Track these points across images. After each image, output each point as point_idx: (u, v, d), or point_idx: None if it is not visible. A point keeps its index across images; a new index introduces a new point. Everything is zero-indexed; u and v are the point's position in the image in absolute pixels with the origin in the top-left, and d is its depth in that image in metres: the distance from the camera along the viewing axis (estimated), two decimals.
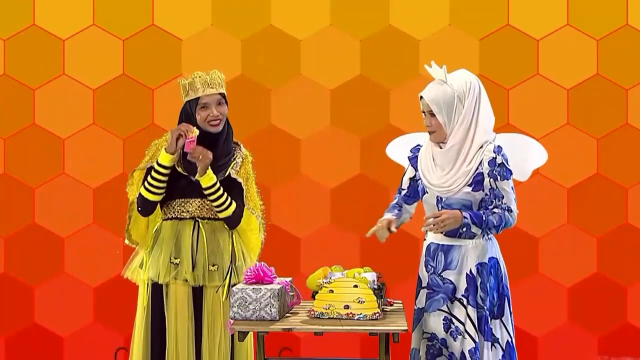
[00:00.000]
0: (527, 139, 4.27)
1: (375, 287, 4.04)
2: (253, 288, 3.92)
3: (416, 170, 4.14)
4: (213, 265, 4.28)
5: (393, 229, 4.08)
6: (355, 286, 3.92)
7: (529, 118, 5.88)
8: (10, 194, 5.96)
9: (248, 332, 4.01)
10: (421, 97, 4.04)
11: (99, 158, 5.95)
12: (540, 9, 5.92)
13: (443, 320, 4.00)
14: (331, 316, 3.90)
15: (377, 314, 3.90)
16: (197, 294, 4.28)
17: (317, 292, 4.04)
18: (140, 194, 4.26)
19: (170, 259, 4.26)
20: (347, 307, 3.89)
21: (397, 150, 4.34)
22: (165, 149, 4.20)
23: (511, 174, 3.98)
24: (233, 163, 4.35)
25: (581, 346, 5.92)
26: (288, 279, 4.17)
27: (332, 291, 3.92)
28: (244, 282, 4.04)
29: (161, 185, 4.23)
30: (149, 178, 4.23)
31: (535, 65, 5.93)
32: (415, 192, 4.17)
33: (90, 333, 5.95)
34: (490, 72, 5.89)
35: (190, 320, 4.25)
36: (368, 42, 5.96)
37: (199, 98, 4.27)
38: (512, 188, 3.99)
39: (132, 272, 4.38)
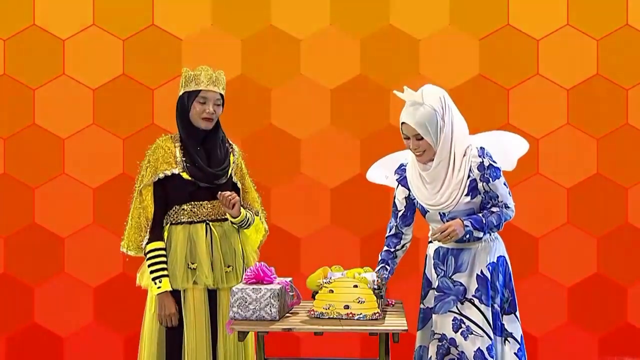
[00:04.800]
0: (500, 133, 4.35)
1: (375, 287, 4.04)
2: (253, 288, 3.92)
3: (408, 189, 4.17)
4: (228, 267, 4.29)
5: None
6: (355, 286, 3.92)
7: (529, 118, 5.88)
8: (10, 194, 5.97)
9: (248, 332, 4.01)
10: (403, 123, 4.04)
11: (99, 158, 5.95)
12: (540, 9, 5.92)
13: (452, 320, 4.03)
14: (331, 316, 3.90)
15: (377, 314, 3.90)
16: (212, 296, 4.27)
17: (317, 292, 4.04)
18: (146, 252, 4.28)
19: (187, 264, 4.25)
20: (347, 307, 3.89)
21: (378, 173, 4.39)
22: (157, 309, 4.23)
23: (500, 171, 4.04)
24: (232, 165, 4.37)
25: (581, 346, 5.92)
26: (288, 279, 4.17)
27: (332, 291, 3.92)
28: (244, 282, 4.04)
29: None
30: (149, 268, 4.25)
31: (535, 65, 5.93)
32: (412, 211, 4.22)
33: (90, 333, 5.95)
34: (490, 72, 5.90)
35: (207, 323, 4.24)
36: (368, 42, 5.96)
37: (200, 91, 4.27)
38: (505, 184, 4.06)
39: (145, 279, 4.34)
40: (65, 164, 5.97)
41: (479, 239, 4.06)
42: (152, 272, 4.23)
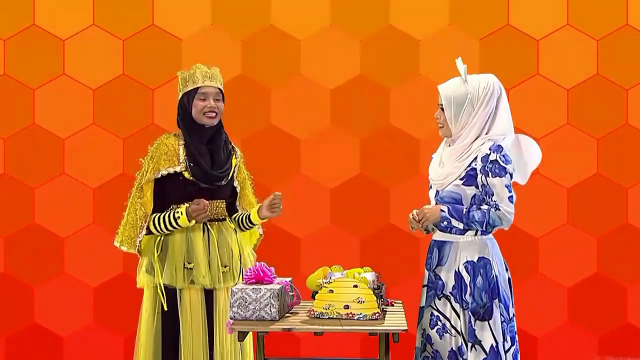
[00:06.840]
0: (529, 140, 4.19)
1: (375, 287, 4.04)
2: (253, 288, 3.92)
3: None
4: (225, 267, 4.28)
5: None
6: (355, 286, 3.92)
7: (529, 118, 5.88)
8: (10, 194, 5.96)
9: (248, 332, 4.01)
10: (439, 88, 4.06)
11: (99, 158, 5.95)
12: (540, 9, 5.92)
13: (430, 316, 4.01)
14: (331, 316, 3.90)
15: (377, 314, 3.89)
16: (208, 296, 4.27)
17: (317, 292, 4.04)
18: (149, 229, 4.26)
19: (184, 264, 4.24)
20: (347, 307, 3.89)
21: None
22: (190, 216, 4.19)
23: (506, 172, 3.90)
24: (235, 168, 4.37)
25: (581, 346, 5.92)
26: (288, 279, 4.17)
27: (332, 291, 3.92)
28: (244, 282, 4.04)
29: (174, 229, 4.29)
30: (164, 227, 4.22)
31: (535, 65, 5.93)
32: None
33: (90, 333, 5.95)
34: (490, 72, 5.85)
35: (203, 323, 4.24)
36: (368, 42, 5.96)
37: (198, 88, 4.27)
38: (507, 187, 3.91)
39: (141, 279, 4.34)
40: (65, 164, 5.97)
41: (462, 232, 3.98)
42: (164, 218, 4.22)
